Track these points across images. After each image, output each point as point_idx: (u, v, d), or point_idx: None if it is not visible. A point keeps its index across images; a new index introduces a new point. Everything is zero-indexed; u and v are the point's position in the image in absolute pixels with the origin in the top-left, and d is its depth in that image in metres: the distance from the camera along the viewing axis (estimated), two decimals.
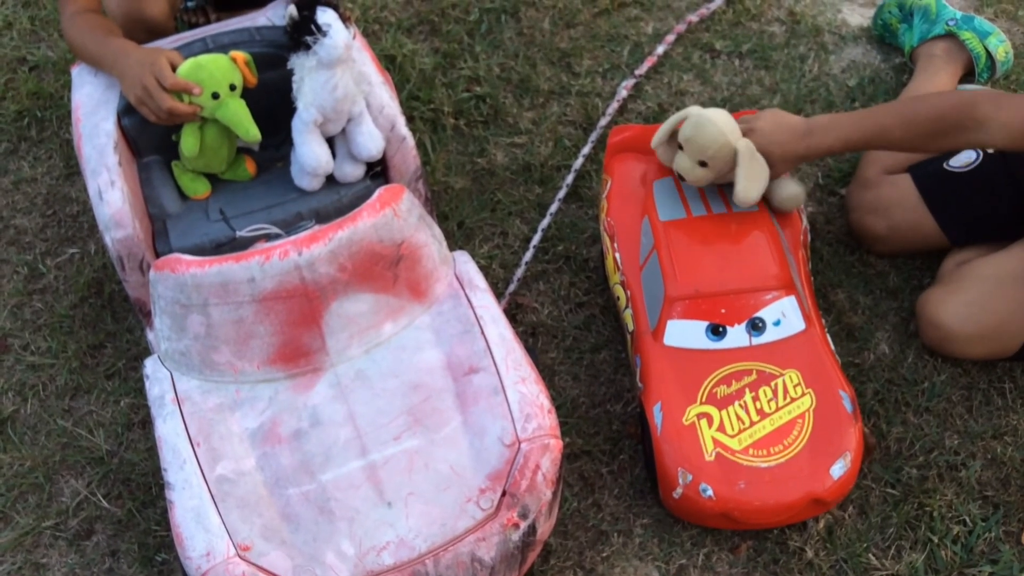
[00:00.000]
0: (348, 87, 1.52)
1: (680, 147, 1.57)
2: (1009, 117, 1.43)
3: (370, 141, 1.57)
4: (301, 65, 1.52)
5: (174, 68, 1.52)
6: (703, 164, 1.55)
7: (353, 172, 1.59)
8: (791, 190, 1.60)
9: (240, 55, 1.55)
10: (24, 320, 1.78)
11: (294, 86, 1.54)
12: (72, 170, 1.99)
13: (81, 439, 1.63)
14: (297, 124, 1.55)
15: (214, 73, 1.52)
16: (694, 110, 1.57)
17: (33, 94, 2.11)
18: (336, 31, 1.47)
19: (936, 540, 1.47)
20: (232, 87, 1.53)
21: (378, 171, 1.62)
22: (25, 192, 1.97)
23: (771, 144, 1.55)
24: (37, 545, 1.53)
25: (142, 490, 1.57)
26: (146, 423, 1.64)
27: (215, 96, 1.52)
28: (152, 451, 1.60)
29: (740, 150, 1.53)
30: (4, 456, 1.61)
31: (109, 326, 1.76)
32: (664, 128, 1.60)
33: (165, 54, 1.53)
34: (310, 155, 1.55)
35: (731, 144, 1.53)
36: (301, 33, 1.48)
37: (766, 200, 1.60)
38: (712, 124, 1.53)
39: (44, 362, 1.72)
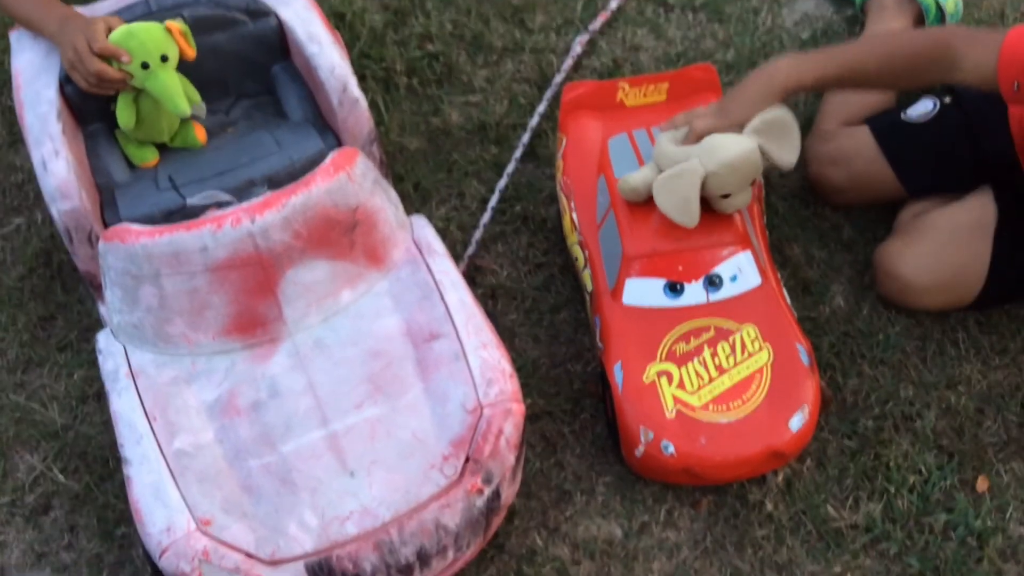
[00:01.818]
0: None
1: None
2: (981, 55, 1.40)
3: None
4: None
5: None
6: (726, 196, 1.50)
7: None
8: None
9: (176, 25, 1.50)
10: None
11: None
12: (15, 137, 1.92)
13: (35, 413, 1.60)
14: None
15: (145, 42, 1.48)
16: (708, 162, 1.47)
17: None
18: None
19: (893, 490, 1.49)
20: (164, 58, 1.49)
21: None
22: None
23: (748, 110, 1.49)
24: None
25: (99, 464, 1.54)
26: (100, 396, 1.61)
27: (144, 66, 1.48)
28: (108, 424, 1.56)
29: (760, 145, 1.48)
30: None
31: (59, 297, 1.72)
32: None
33: (105, 20, 1.49)
34: None
35: (754, 151, 1.47)
36: None
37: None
38: (741, 156, 1.46)
39: None
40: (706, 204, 1.50)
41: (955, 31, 1.48)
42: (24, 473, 1.55)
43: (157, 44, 1.48)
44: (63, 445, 1.57)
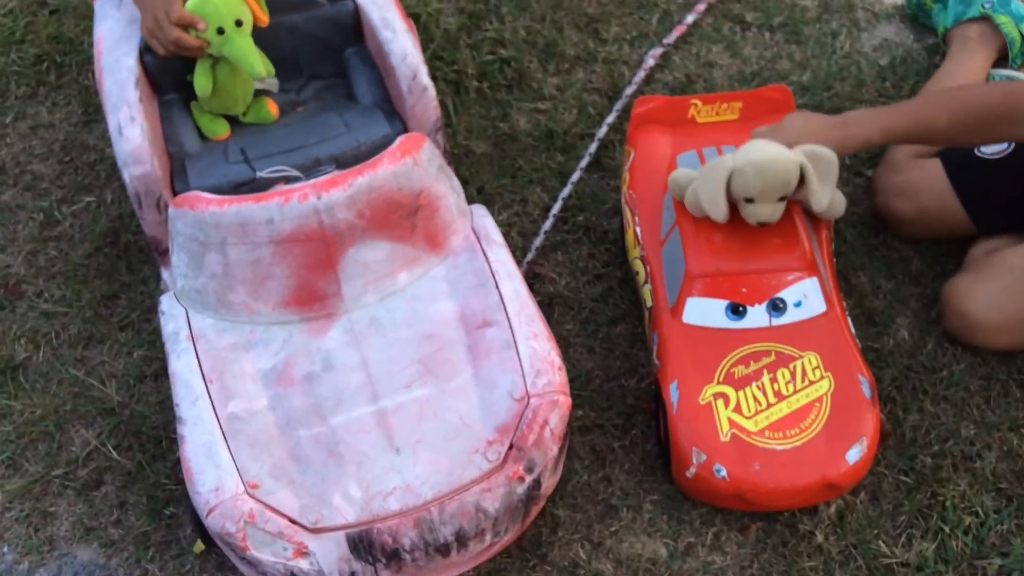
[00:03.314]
0: None
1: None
2: None
3: None
4: None
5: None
6: (750, 200, 1.47)
7: None
8: (837, 198, 1.55)
9: None
10: (39, 267, 1.76)
11: None
12: (90, 117, 1.97)
13: (93, 389, 1.61)
14: None
15: (219, 8, 1.51)
16: (739, 159, 1.46)
17: (53, 38, 2.09)
18: None
19: (947, 530, 1.44)
20: (239, 23, 1.52)
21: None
22: (42, 138, 1.95)
23: (802, 138, 1.49)
24: (46, 493, 1.52)
25: (152, 443, 1.55)
26: (158, 376, 1.62)
27: (220, 31, 1.51)
28: (164, 404, 1.58)
29: (803, 162, 1.45)
30: (15, 403, 1.60)
31: (124, 277, 1.74)
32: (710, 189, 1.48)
33: None
34: None
35: (791, 162, 1.44)
36: None
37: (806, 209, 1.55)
38: (772, 161, 1.44)
39: (58, 310, 1.71)
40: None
41: None
42: (79, 447, 1.56)
43: (231, 9, 1.52)
44: (118, 422, 1.58)
